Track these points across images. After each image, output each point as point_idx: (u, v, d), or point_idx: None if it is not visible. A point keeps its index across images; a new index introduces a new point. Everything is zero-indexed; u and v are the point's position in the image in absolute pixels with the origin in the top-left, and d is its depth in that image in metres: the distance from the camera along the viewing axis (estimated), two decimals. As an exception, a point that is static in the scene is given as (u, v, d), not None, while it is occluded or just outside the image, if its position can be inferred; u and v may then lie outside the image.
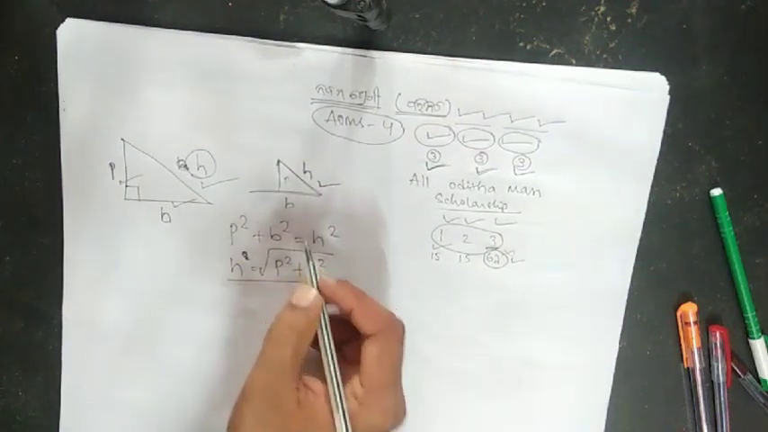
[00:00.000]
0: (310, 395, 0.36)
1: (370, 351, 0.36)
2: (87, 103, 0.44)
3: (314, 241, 0.46)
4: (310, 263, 0.37)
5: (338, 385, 0.36)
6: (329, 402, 0.36)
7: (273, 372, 0.36)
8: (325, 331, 0.37)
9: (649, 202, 0.45)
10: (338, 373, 0.36)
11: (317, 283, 0.37)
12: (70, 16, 0.44)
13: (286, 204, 0.46)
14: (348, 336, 0.38)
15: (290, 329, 0.36)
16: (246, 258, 0.46)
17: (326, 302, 0.38)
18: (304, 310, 0.36)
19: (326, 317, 0.37)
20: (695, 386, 0.47)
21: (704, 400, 0.48)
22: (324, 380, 0.37)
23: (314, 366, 0.37)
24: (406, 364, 0.39)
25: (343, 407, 0.35)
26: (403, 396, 0.38)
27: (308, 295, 0.37)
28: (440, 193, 0.45)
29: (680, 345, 0.48)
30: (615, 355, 0.47)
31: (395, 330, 0.38)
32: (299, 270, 0.46)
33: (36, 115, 0.45)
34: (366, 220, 0.46)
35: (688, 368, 0.48)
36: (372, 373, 0.36)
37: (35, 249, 0.47)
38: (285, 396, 0.35)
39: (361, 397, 0.36)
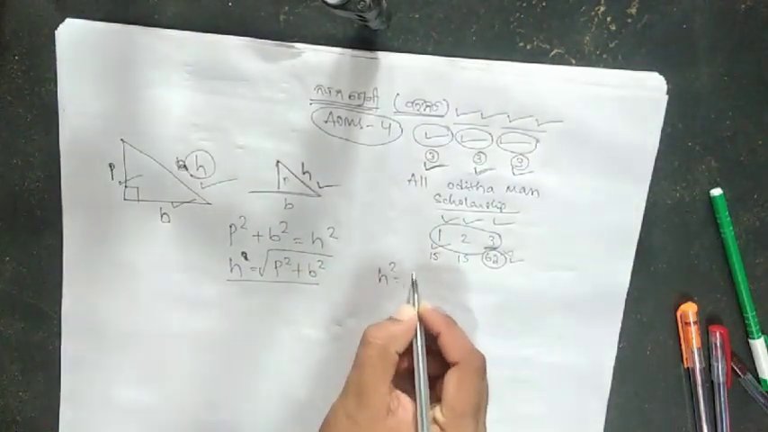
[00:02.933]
0: (400, 409, 0.38)
1: (450, 380, 0.38)
2: (87, 104, 0.44)
3: (312, 242, 0.46)
4: (415, 291, 0.41)
5: (425, 405, 0.37)
6: (416, 422, 0.37)
7: (364, 370, 0.38)
8: (420, 356, 0.39)
9: (649, 202, 0.45)
10: (427, 394, 0.38)
11: (417, 306, 0.40)
12: (70, 16, 0.44)
13: (285, 205, 0.46)
14: (437, 364, 0.40)
15: (384, 331, 0.39)
16: (246, 259, 0.46)
17: (423, 325, 0.40)
18: (400, 321, 0.39)
19: (422, 338, 0.40)
20: (695, 386, 0.47)
21: (704, 400, 0.48)
22: (415, 400, 0.38)
23: (408, 388, 0.39)
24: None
25: (426, 427, 0.37)
26: (485, 430, 0.39)
27: (408, 312, 0.40)
28: (438, 194, 0.45)
29: (680, 345, 0.48)
30: (614, 355, 0.47)
31: (474, 362, 0.39)
32: (298, 270, 0.47)
33: (36, 115, 0.45)
34: (365, 220, 0.46)
35: (688, 368, 0.48)
36: (452, 403, 0.37)
37: (35, 249, 0.47)
38: (374, 397, 0.37)
39: (442, 424, 0.37)
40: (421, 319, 0.40)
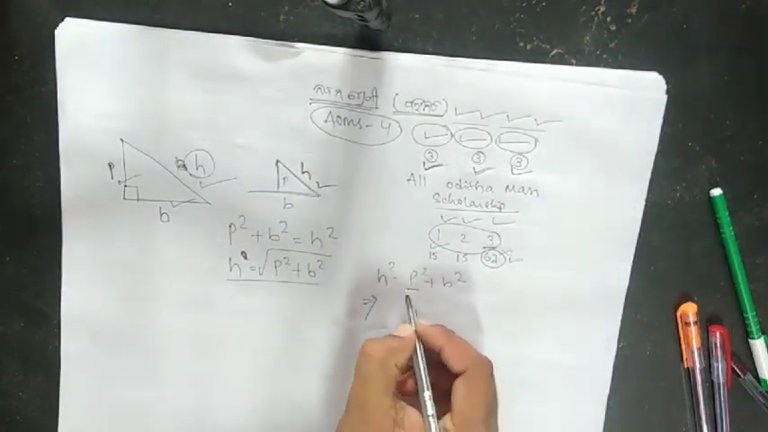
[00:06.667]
0: (407, 421, 0.38)
1: (458, 389, 0.38)
2: (86, 103, 0.44)
3: (312, 242, 0.46)
4: (411, 309, 0.42)
5: (432, 416, 0.38)
6: None
7: (365, 384, 0.38)
8: (421, 367, 0.40)
9: (649, 201, 0.45)
10: (433, 407, 0.38)
11: (415, 324, 0.41)
12: (70, 16, 0.44)
13: (285, 205, 0.46)
14: (445, 378, 0.40)
15: (382, 345, 0.39)
16: (245, 258, 0.46)
17: (423, 342, 0.41)
18: (400, 337, 0.40)
19: (423, 353, 0.40)
20: (695, 386, 0.47)
21: (704, 400, 0.47)
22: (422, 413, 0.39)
23: (415, 401, 0.39)
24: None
25: None
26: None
27: (407, 330, 0.41)
28: (437, 193, 0.45)
29: (680, 345, 0.48)
30: (613, 355, 0.47)
31: (481, 368, 0.39)
32: (298, 270, 0.47)
33: (36, 115, 0.45)
34: (364, 220, 0.46)
35: (688, 368, 0.48)
36: (462, 410, 0.38)
37: (35, 249, 0.47)
38: (377, 411, 0.37)
39: None
40: (420, 336, 0.40)
